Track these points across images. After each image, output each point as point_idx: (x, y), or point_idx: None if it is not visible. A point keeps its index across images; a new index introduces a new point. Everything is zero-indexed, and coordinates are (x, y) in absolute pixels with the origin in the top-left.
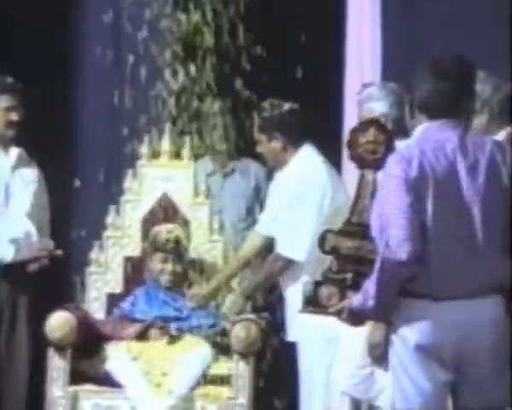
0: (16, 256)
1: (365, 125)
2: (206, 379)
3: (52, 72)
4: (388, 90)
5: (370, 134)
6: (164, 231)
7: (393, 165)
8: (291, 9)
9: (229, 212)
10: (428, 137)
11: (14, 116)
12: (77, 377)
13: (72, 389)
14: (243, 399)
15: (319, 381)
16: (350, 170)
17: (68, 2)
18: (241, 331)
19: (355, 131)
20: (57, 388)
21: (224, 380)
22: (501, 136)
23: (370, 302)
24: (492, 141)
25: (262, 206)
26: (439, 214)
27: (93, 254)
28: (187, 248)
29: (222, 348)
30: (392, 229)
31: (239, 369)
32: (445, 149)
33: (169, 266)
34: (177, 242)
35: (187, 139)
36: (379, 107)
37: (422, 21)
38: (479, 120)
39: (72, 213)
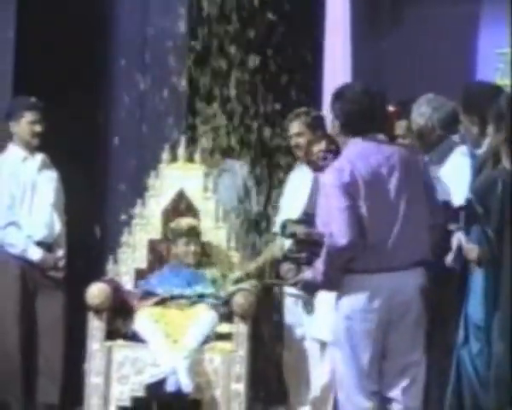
0: (45, 237)
1: (319, 137)
2: (213, 337)
3: (91, 84)
4: None
5: (323, 145)
6: (184, 221)
7: (329, 175)
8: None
9: (224, 204)
10: (354, 150)
11: (37, 128)
12: (111, 334)
13: (107, 343)
14: (242, 352)
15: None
16: None
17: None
18: (241, 299)
19: (311, 143)
20: (96, 343)
21: (226, 337)
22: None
23: (319, 277)
24: (403, 146)
25: (248, 197)
26: (371, 209)
27: (124, 238)
28: (201, 233)
29: (223, 314)
30: (333, 224)
31: (239, 328)
32: (368, 157)
33: (191, 248)
34: (195, 229)
35: (198, 146)
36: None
37: (387, 41)
38: (424, 133)
39: (107, 205)
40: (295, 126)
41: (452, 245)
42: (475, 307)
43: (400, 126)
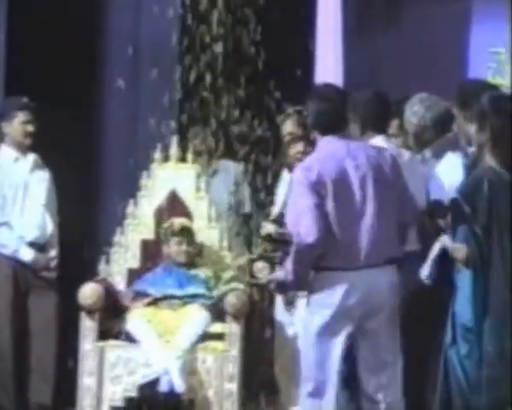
0: (37, 237)
1: (296, 139)
2: (205, 337)
3: (83, 84)
4: None
5: (300, 146)
6: (177, 221)
7: (297, 173)
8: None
9: (216, 204)
10: (323, 149)
11: (29, 128)
12: (103, 334)
13: (99, 344)
14: (235, 351)
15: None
16: None
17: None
18: (233, 298)
19: (289, 143)
20: (88, 343)
21: (219, 337)
22: (435, 145)
23: (289, 277)
24: (370, 145)
25: (240, 196)
26: (339, 207)
27: (116, 238)
28: (194, 234)
29: (215, 314)
30: (301, 222)
31: (232, 328)
32: (336, 156)
33: (183, 248)
34: (188, 229)
35: (190, 146)
36: None
37: (380, 41)
38: (417, 132)
39: (99, 205)
40: (288, 125)
41: (430, 257)
42: (463, 306)
43: (392, 126)
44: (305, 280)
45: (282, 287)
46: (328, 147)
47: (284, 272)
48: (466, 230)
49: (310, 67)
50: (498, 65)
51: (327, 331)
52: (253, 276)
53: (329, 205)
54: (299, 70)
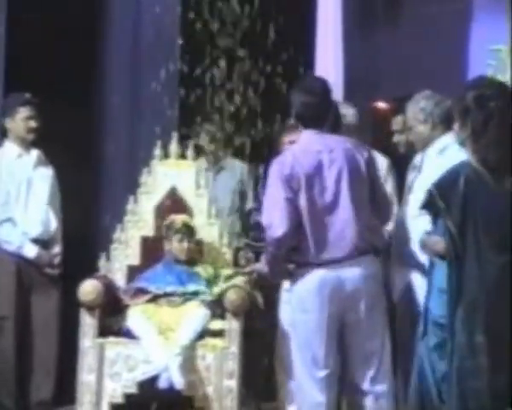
0: (41, 233)
1: (290, 127)
2: (205, 333)
3: (83, 80)
4: None
5: (294, 136)
6: (178, 218)
7: (273, 167)
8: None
9: (220, 201)
10: (301, 143)
11: (32, 123)
12: (103, 331)
13: (99, 340)
14: (234, 348)
15: None
16: None
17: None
18: (233, 295)
19: (281, 133)
20: (88, 340)
21: (219, 334)
22: (442, 141)
23: (265, 268)
24: (348, 140)
25: (244, 195)
26: (311, 201)
27: (116, 234)
28: (195, 230)
29: (215, 311)
30: (271, 215)
31: (231, 325)
32: (312, 150)
33: (185, 245)
34: (189, 226)
35: (190, 143)
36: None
37: (379, 39)
38: (424, 129)
39: (99, 202)
40: (292, 136)
41: (399, 280)
42: (435, 302)
43: (397, 122)
44: (280, 272)
45: (263, 277)
46: (306, 140)
47: (262, 263)
48: (442, 223)
49: (310, 64)
50: (499, 62)
51: (310, 327)
52: (237, 264)
53: (302, 199)
54: (299, 68)
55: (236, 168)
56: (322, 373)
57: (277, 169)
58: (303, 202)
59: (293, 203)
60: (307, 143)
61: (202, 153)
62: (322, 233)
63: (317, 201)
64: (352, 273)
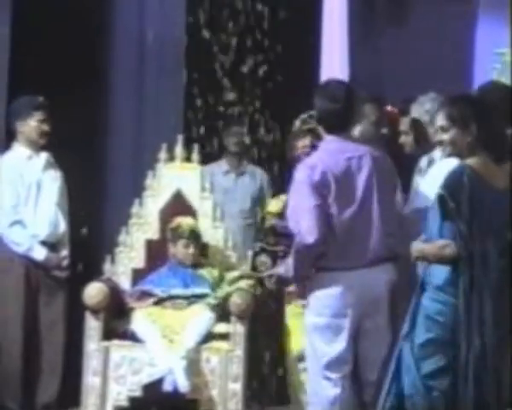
0: (50, 235)
1: (304, 132)
2: (210, 337)
3: (88, 82)
4: None
5: (307, 140)
6: (184, 222)
7: (301, 172)
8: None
9: (238, 203)
10: (328, 148)
11: (45, 127)
12: (108, 334)
13: (104, 343)
14: (239, 351)
15: None
16: None
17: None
18: (238, 299)
19: (295, 137)
20: (93, 343)
21: (224, 337)
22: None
23: (290, 273)
24: (371, 148)
25: (263, 202)
26: (341, 207)
27: (121, 237)
28: (201, 235)
29: (220, 314)
30: (302, 222)
31: (236, 328)
32: (340, 155)
33: (190, 249)
34: (195, 230)
35: (196, 146)
36: None
37: (381, 45)
38: (429, 131)
39: (105, 205)
40: (305, 140)
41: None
42: (431, 299)
43: (404, 122)
44: (306, 277)
45: (283, 282)
46: (332, 146)
47: (285, 267)
48: (452, 226)
49: (316, 66)
50: (503, 66)
51: (328, 332)
52: (255, 269)
53: (331, 205)
54: (305, 69)
55: (257, 175)
56: (339, 375)
57: (307, 174)
58: (333, 208)
59: (322, 209)
60: (335, 149)
61: (226, 154)
62: (348, 239)
63: (346, 207)
64: (377, 279)
